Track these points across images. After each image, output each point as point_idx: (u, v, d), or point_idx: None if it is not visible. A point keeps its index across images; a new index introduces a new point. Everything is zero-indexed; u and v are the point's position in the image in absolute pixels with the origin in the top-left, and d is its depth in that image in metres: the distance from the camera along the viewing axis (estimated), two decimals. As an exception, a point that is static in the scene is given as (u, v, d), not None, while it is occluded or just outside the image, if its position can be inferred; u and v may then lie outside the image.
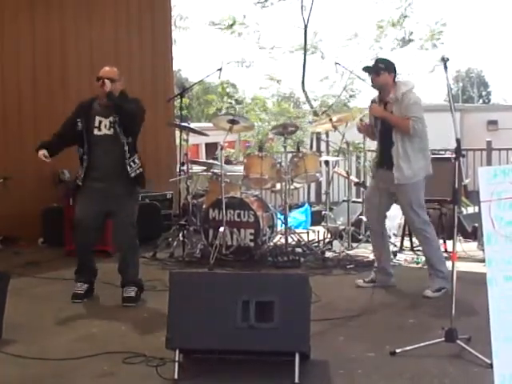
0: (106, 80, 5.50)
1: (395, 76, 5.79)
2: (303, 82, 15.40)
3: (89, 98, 5.82)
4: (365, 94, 13.96)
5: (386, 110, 5.70)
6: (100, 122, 5.60)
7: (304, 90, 15.42)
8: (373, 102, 5.91)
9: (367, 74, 5.97)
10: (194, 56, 59.62)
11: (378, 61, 5.94)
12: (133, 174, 5.59)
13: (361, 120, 6.32)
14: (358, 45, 14.80)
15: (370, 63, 6.27)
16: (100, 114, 5.63)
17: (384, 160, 5.76)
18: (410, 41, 15.26)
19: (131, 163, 5.58)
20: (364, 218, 7.58)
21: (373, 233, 6.12)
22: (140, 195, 6.12)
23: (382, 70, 5.70)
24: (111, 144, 5.57)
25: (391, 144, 5.64)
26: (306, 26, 15.23)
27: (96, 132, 5.60)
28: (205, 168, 7.92)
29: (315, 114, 14.54)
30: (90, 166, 5.61)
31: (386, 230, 6.20)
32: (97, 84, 5.58)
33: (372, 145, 9.04)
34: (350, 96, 15.08)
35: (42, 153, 5.64)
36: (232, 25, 15.02)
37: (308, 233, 7.83)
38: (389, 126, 5.66)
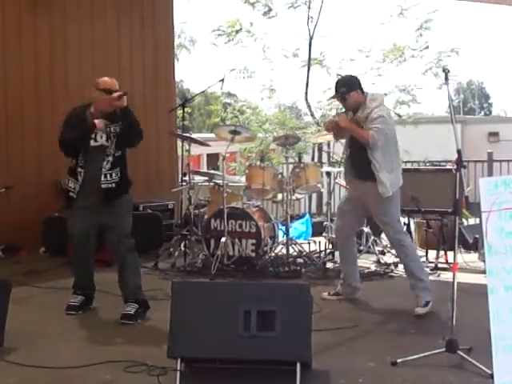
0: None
1: (362, 90, 5.55)
2: (306, 93, 15.42)
3: (79, 107, 5.41)
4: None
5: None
6: (96, 134, 5.27)
7: (307, 102, 15.43)
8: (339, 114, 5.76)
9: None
10: (195, 67, 59.96)
11: (339, 85, 5.65)
12: (103, 186, 5.26)
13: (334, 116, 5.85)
14: (366, 58, 14.78)
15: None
16: None
17: (356, 172, 5.59)
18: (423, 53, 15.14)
19: (107, 175, 5.26)
20: (366, 229, 7.60)
21: (341, 244, 5.93)
22: (132, 204, 5.68)
23: (345, 94, 5.49)
24: (103, 155, 5.28)
25: (365, 158, 5.39)
26: (311, 38, 15.26)
27: (92, 143, 5.29)
28: (206, 178, 7.94)
29: (317, 125, 14.55)
30: (85, 180, 5.30)
31: (355, 242, 6.04)
32: (104, 96, 5.18)
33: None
34: None
35: None
36: (238, 31, 14.93)
37: (309, 243, 7.82)
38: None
